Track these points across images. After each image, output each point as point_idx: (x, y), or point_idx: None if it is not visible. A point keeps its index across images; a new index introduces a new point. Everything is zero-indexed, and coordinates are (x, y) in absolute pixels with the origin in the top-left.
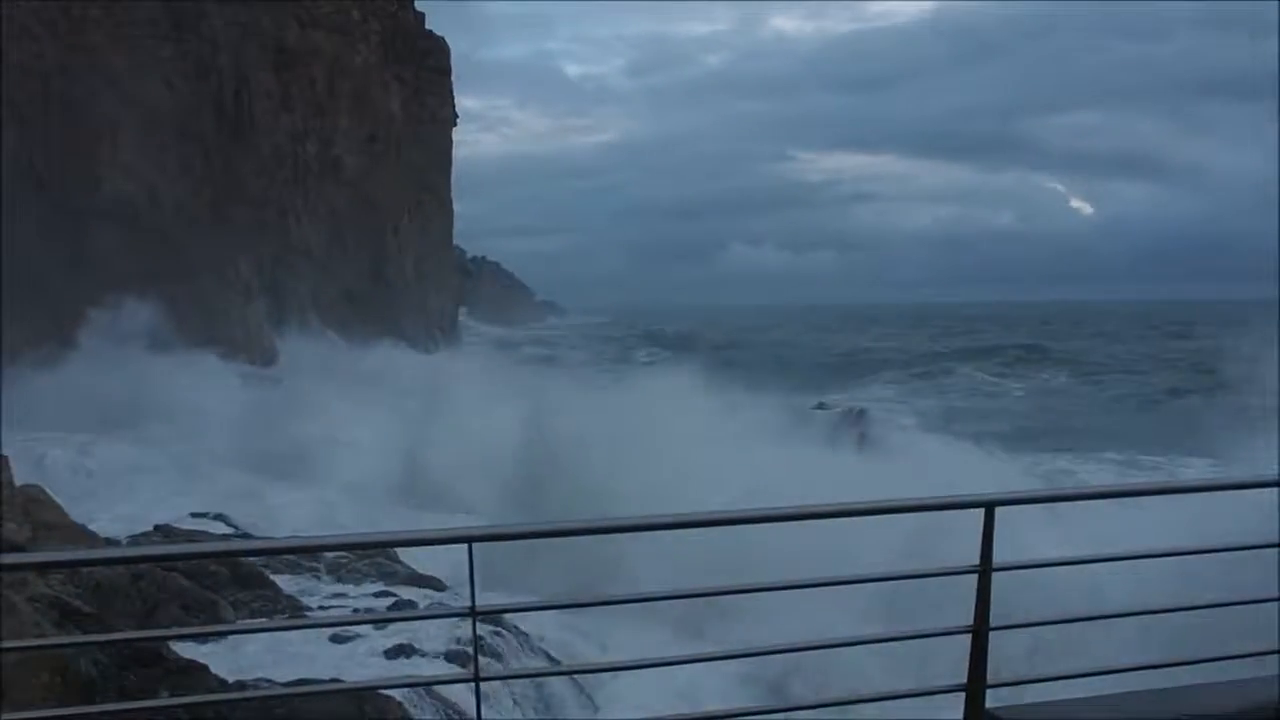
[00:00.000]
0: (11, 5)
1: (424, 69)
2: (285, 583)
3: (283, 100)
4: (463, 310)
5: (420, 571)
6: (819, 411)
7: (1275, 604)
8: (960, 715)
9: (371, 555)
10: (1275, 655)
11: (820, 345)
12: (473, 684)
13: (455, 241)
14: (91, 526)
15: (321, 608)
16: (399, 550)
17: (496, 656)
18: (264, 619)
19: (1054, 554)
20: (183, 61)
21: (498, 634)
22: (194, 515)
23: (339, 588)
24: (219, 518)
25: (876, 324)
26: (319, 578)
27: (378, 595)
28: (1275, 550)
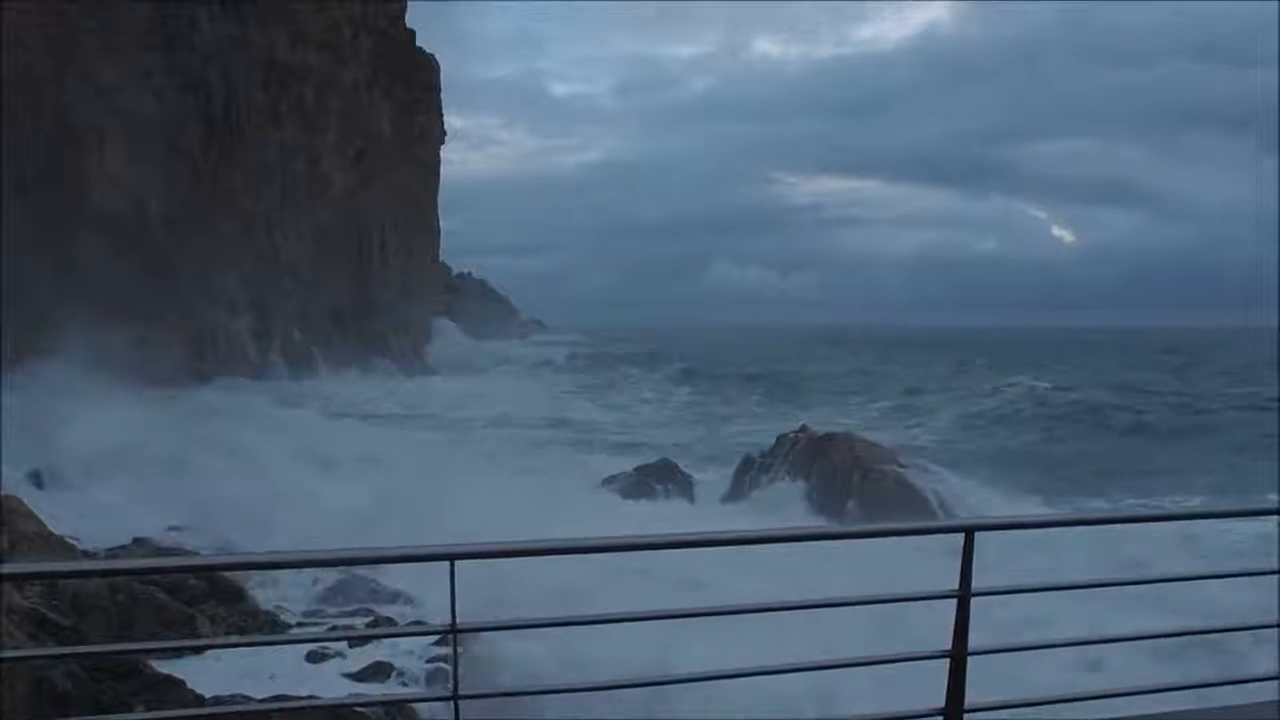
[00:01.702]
0: (10, 11)
1: (414, 86)
2: (263, 598)
3: (271, 115)
4: (450, 327)
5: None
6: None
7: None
8: None
9: (351, 571)
10: (1274, 681)
11: (805, 367)
12: (451, 703)
13: (441, 259)
14: (70, 539)
15: (300, 624)
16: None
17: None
18: (241, 634)
19: None
20: (172, 73)
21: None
22: (172, 529)
23: (317, 604)
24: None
25: (862, 347)
26: (297, 593)
27: (356, 612)
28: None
